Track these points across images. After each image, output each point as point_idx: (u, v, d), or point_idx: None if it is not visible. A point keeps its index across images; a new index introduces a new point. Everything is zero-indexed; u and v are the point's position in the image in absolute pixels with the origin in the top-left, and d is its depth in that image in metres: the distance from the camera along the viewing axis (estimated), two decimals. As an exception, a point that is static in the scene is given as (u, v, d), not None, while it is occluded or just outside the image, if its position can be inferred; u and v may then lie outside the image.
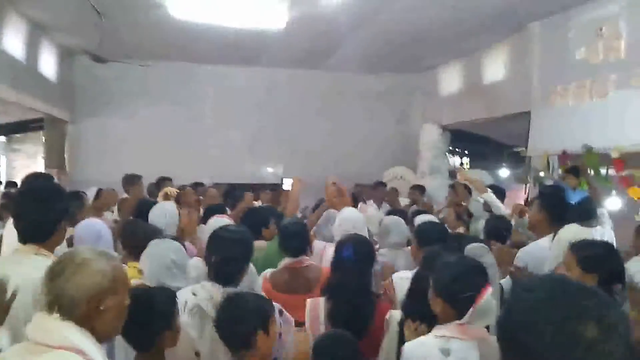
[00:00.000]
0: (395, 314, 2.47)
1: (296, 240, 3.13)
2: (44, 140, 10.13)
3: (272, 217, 4.18)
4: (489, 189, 4.82)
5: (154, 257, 2.71)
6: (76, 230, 3.24)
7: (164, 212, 3.82)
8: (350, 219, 3.64)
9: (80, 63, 9.47)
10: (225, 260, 2.47)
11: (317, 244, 3.78)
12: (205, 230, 3.75)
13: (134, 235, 3.19)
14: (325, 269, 3.07)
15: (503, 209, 4.64)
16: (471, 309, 1.93)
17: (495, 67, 8.26)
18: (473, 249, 2.80)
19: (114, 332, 1.72)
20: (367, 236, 3.49)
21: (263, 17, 6.97)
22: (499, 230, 4.07)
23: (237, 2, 6.49)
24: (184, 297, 2.41)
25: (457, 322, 1.98)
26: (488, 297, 1.94)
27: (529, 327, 0.93)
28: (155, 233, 3.20)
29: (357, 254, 2.74)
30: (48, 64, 8.46)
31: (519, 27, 7.20)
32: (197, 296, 2.41)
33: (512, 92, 7.68)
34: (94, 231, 3.17)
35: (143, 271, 2.72)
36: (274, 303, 2.40)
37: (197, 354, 2.31)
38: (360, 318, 2.41)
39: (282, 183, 9.62)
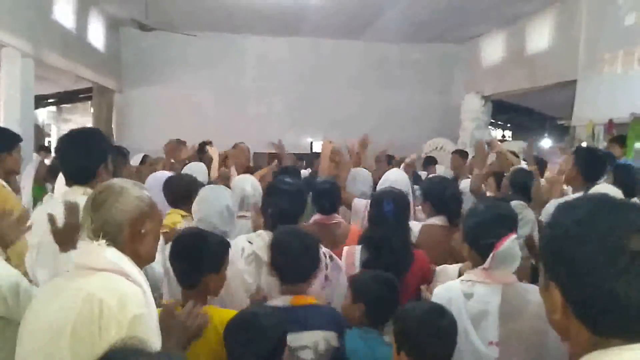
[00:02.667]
0: (448, 268, 2.55)
1: (327, 198, 3.24)
2: (92, 110, 10.44)
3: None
4: (521, 160, 4.77)
5: (208, 201, 2.83)
6: (147, 181, 3.50)
7: (192, 171, 4.04)
8: (390, 179, 3.72)
9: (127, 33, 9.70)
10: (281, 211, 2.57)
11: (359, 202, 3.85)
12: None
13: (176, 185, 3.40)
14: (354, 227, 3.20)
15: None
16: (491, 255, 1.98)
17: (539, 35, 8.09)
18: (514, 206, 2.83)
19: (151, 258, 1.80)
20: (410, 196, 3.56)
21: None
22: (520, 184, 4.02)
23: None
24: (241, 244, 2.52)
25: (481, 267, 2.03)
26: (509, 244, 1.96)
27: (574, 240, 0.96)
28: (196, 183, 3.39)
29: (397, 207, 2.80)
30: (96, 34, 8.69)
31: (566, -7, 7.03)
32: (253, 244, 2.50)
33: (557, 61, 7.52)
34: (161, 182, 3.41)
35: (194, 215, 2.85)
36: (324, 249, 2.51)
37: None
38: (399, 269, 2.48)
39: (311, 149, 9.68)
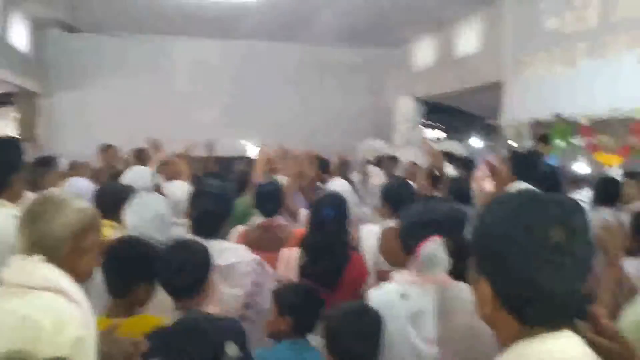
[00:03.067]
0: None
1: (269, 201, 3.25)
2: (15, 114, 9.97)
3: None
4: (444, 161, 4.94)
5: (141, 209, 2.72)
6: (64, 188, 3.29)
7: (138, 175, 3.90)
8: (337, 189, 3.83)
9: (53, 35, 9.31)
10: (205, 214, 2.54)
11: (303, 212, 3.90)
12: None
13: (107, 194, 3.16)
14: (296, 230, 3.21)
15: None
16: (413, 258, 2.05)
17: (467, 39, 8.38)
18: None
19: (89, 274, 1.72)
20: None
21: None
22: (461, 192, 4.18)
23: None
24: None
25: (409, 269, 2.10)
26: (433, 248, 2.04)
27: (502, 234, 1.01)
28: (130, 191, 3.20)
29: (335, 212, 2.84)
30: (20, 36, 8.31)
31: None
32: None
33: (484, 63, 7.81)
34: (77, 188, 3.25)
35: (126, 224, 2.73)
36: (256, 256, 2.51)
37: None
38: (335, 273, 2.52)
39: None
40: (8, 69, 7.81)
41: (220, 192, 2.66)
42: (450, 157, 5.07)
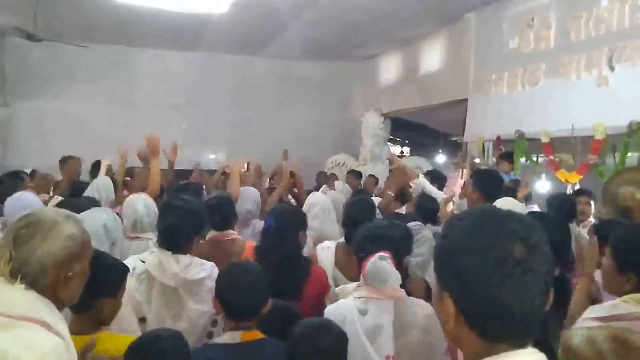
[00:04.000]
0: (347, 288, 2.57)
1: (218, 214, 3.18)
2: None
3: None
4: (420, 175, 4.96)
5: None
6: (6, 204, 3.17)
7: (97, 187, 3.83)
8: (317, 203, 3.85)
9: (12, 43, 9.07)
10: (172, 228, 2.49)
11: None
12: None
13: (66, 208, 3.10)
14: (249, 243, 3.15)
15: (435, 193, 4.78)
16: (361, 271, 2.07)
17: (432, 57, 8.49)
18: (412, 226, 2.96)
19: (75, 299, 1.64)
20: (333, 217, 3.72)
21: (205, 1, 6.89)
22: (427, 210, 4.23)
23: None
24: (132, 263, 2.42)
25: (360, 284, 2.14)
26: (374, 261, 2.06)
27: (462, 250, 1.01)
28: (90, 204, 3.16)
29: (278, 222, 2.84)
30: (-23, 43, 8.08)
31: (455, 18, 7.42)
32: (145, 262, 2.43)
33: (448, 81, 7.92)
34: (24, 204, 3.12)
35: None
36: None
37: (143, 319, 2.32)
38: (289, 284, 2.49)
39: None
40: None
41: (191, 207, 2.60)
42: (431, 174, 5.12)
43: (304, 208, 3.88)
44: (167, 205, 2.63)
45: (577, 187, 5.55)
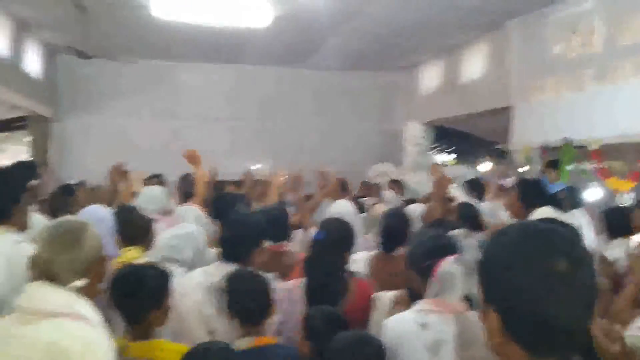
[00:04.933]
0: (383, 295, 2.56)
1: (277, 227, 3.20)
2: (28, 138, 10.09)
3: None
4: (452, 187, 4.92)
5: (165, 234, 2.84)
6: (80, 216, 3.29)
7: (152, 196, 3.92)
8: (339, 212, 3.82)
9: (64, 60, 9.46)
10: (233, 239, 2.54)
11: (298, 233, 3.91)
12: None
13: (128, 222, 3.23)
14: (301, 255, 3.15)
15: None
16: (431, 279, 2.01)
17: (474, 64, 8.40)
18: (455, 234, 2.91)
19: (96, 295, 1.77)
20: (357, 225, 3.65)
21: (247, 16, 7.01)
22: (469, 217, 4.17)
23: (221, 2, 6.55)
24: (198, 277, 2.48)
25: (428, 296, 2.06)
26: (449, 268, 2.01)
27: (506, 265, 1.02)
28: (145, 218, 3.27)
29: (327, 235, 2.85)
30: (32, 62, 8.44)
31: (497, 25, 7.33)
32: (212, 276, 2.46)
33: (491, 88, 7.81)
34: (97, 217, 3.25)
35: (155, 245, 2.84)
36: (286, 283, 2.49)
37: (212, 332, 2.36)
38: (330, 294, 2.49)
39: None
40: (21, 93, 7.93)
41: (249, 218, 2.68)
42: (469, 184, 5.06)
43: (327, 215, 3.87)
44: (228, 218, 2.68)
45: (629, 194, 5.37)
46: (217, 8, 6.70)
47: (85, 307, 1.60)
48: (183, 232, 2.83)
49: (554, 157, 6.08)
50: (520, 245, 1.03)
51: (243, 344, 2.10)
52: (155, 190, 4.17)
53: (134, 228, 3.16)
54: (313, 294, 2.53)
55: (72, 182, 5.92)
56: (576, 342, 1.01)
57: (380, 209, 4.32)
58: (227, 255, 2.53)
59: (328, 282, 2.57)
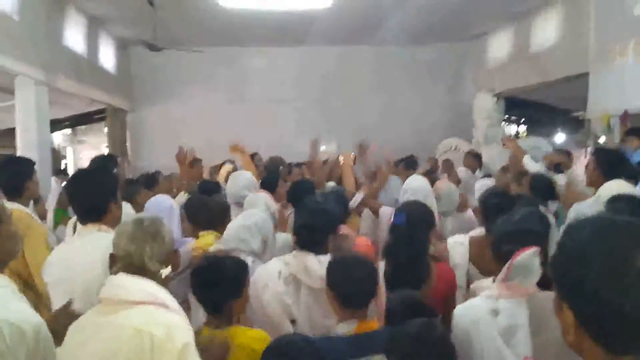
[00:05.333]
0: (482, 283, 2.50)
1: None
2: (106, 130, 10.56)
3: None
4: (526, 157, 4.75)
5: (235, 223, 2.87)
6: (147, 206, 3.42)
7: (242, 179, 4.03)
8: (411, 188, 3.74)
9: (136, 53, 9.82)
10: (310, 227, 2.53)
11: (384, 211, 3.87)
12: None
13: (212, 206, 3.33)
14: (360, 239, 3.14)
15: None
16: (506, 265, 1.94)
17: (547, 30, 8.04)
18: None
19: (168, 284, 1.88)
20: (433, 204, 3.57)
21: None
22: (542, 189, 4.01)
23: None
24: (277, 267, 2.50)
25: (497, 279, 1.97)
26: (528, 256, 1.92)
27: (582, 260, 0.98)
28: (222, 205, 3.36)
29: (408, 220, 2.80)
30: (107, 56, 8.80)
31: (573, -14, 6.99)
32: (289, 265, 2.47)
33: (566, 55, 7.47)
34: (164, 206, 3.35)
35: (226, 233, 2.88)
36: None
37: (293, 321, 2.39)
38: (413, 280, 2.46)
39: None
40: (98, 88, 8.30)
41: (322, 207, 2.68)
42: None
43: (401, 190, 3.80)
44: (300, 207, 2.71)
45: None
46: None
47: (167, 295, 1.70)
48: (250, 223, 2.83)
49: (636, 125, 5.77)
50: (596, 240, 0.99)
51: (345, 327, 2.08)
52: (247, 174, 4.22)
53: (210, 213, 3.23)
54: (396, 279, 2.52)
55: (151, 172, 6.14)
56: None
57: (443, 184, 4.19)
58: (303, 243, 2.52)
59: (412, 267, 2.54)
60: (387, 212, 3.83)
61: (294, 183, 4.25)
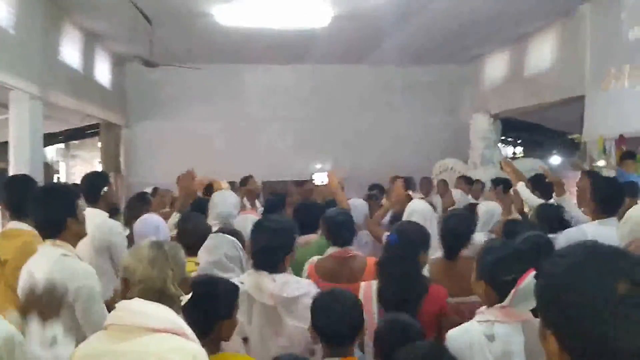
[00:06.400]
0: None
1: (342, 231, 3.16)
2: (100, 145, 10.51)
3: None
4: (522, 182, 4.70)
5: (208, 251, 2.83)
6: (135, 225, 3.36)
7: (224, 199, 3.99)
8: (417, 211, 3.75)
9: (132, 69, 9.78)
10: (264, 249, 2.54)
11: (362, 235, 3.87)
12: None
13: (187, 232, 3.27)
14: (370, 260, 3.08)
15: (532, 200, 4.50)
16: (512, 291, 1.92)
17: (543, 53, 8.09)
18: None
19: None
20: (434, 226, 3.56)
21: (307, 16, 7.04)
22: (549, 218, 3.95)
23: (281, 5, 6.60)
24: None
25: (500, 305, 1.96)
26: (530, 281, 1.91)
27: (565, 288, 1.00)
28: (207, 229, 3.29)
29: (402, 239, 2.78)
30: (102, 71, 8.78)
31: (567, 11, 7.03)
32: (244, 284, 2.46)
33: (562, 77, 7.50)
34: (153, 225, 3.29)
35: (199, 260, 2.83)
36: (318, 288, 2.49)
37: (245, 340, 2.40)
38: (407, 300, 2.44)
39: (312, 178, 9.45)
40: (93, 103, 8.26)
41: (280, 227, 2.63)
42: (535, 180, 4.84)
43: (405, 214, 3.78)
44: (257, 227, 2.67)
45: None
46: (278, 11, 6.77)
47: (184, 324, 1.64)
48: (221, 253, 2.81)
49: (632, 148, 5.77)
50: (580, 267, 1.01)
51: None
52: (230, 194, 4.23)
53: (197, 237, 3.14)
54: (389, 299, 2.49)
55: (146, 189, 6.09)
56: None
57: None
58: (260, 263, 2.54)
59: (406, 286, 2.51)
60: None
61: (302, 206, 4.23)
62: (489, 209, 4.23)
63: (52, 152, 13.48)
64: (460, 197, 6.14)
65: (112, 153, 9.94)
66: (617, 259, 1.00)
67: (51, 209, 2.44)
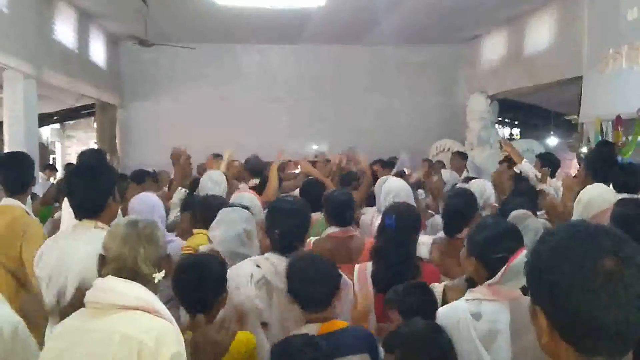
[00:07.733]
0: (437, 286, 2.48)
1: (346, 210, 3.15)
2: (95, 125, 10.45)
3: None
4: (524, 159, 4.72)
5: (227, 225, 2.75)
6: (131, 203, 3.35)
7: (214, 180, 4.00)
8: (393, 189, 3.60)
9: (127, 48, 9.71)
10: (284, 232, 2.47)
11: (364, 219, 3.84)
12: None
13: (209, 205, 3.26)
14: (369, 240, 3.07)
15: (535, 180, 4.52)
16: (503, 268, 1.92)
17: (540, 33, 8.04)
18: (517, 215, 2.79)
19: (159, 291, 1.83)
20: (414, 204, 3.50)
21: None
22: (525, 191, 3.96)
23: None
24: (249, 269, 2.42)
25: (488, 282, 1.96)
26: (521, 259, 1.91)
27: (553, 266, 1.04)
28: (223, 204, 3.25)
29: (398, 222, 2.73)
30: (97, 51, 8.71)
31: (566, -10, 6.98)
32: (261, 268, 2.41)
33: (559, 58, 7.46)
34: (149, 204, 3.29)
35: (211, 238, 2.77)
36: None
37: (264, 324, 2.34)
38: (401, 281, 2.41)
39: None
40: (88, 82, 8.20)
41: (296, 208, 2.58)
42: (542, 157, 4.90)
43: (382, 192, 3.68)
44: (273, 209, 2.61)
45: None
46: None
47: (157, 301, 1.63)
48: (238, 232, 2.75)
49: (630, 129, 5.76)
50: (566, 245, 1.04)
51: (307, 330, 2.06)
52: (217, 174, 4.20)
53: (210, 211, 3.11)
54: (383, 281, 2.49)
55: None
56: (627, 343, 1.02)
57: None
58: (278, 248, 2.47)
59: (401, 269, 2.52)
60: (366, 219, 3.85)
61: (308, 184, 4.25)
62: (478, 187, 4.17)
63: (47, 132, 13.42)
64: (449, 178, 6.10)
65: (108, 133, 9.89)
66: (602, 237, 1.02)
67: (95, 189, 2.39)
